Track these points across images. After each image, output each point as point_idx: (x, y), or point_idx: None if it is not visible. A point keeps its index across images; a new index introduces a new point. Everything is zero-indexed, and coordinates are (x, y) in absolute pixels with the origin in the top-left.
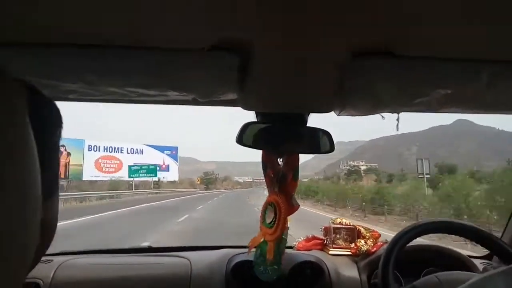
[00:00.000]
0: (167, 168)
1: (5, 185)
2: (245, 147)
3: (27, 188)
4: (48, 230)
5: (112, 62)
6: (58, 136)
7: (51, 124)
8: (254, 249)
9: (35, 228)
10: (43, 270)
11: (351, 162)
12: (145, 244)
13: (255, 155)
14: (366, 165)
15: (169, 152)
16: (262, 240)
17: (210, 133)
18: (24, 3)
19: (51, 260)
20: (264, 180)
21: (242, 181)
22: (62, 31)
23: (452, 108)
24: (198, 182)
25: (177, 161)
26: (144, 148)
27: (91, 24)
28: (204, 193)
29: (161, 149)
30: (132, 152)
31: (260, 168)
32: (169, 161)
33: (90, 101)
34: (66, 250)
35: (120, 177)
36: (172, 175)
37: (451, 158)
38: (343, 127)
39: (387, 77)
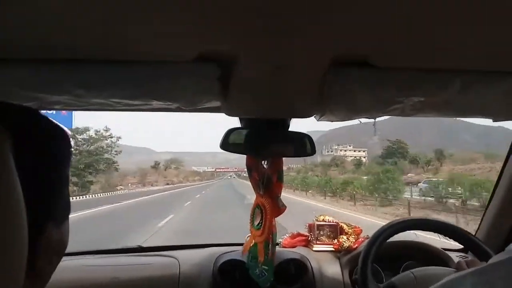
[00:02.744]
0: None
1: None
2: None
3: (8, 246)
4: (60, 252)
5: (98, 76)
6: (69, 166)
7: (64, 157)
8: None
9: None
10: None
11: (336, 147)
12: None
13: (214, 146)
14: (355, 150)
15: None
16: (253, 243)
17: (165, 123)
18: (9, 21)
19: None
20: (226, 170)
21: (201, 170)
22: (47, 46)
23: (425, 114)
24: None
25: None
26: None
27: (78, 39)
28: None
29: None
30: None
31: (217, 158)
32: None
33: (75, 110)
34: None
35: None
36: None
37: (414, 148)
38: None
39: (364, 86)
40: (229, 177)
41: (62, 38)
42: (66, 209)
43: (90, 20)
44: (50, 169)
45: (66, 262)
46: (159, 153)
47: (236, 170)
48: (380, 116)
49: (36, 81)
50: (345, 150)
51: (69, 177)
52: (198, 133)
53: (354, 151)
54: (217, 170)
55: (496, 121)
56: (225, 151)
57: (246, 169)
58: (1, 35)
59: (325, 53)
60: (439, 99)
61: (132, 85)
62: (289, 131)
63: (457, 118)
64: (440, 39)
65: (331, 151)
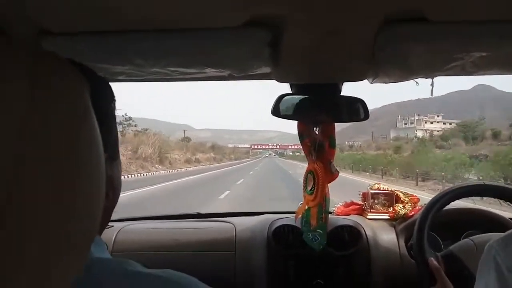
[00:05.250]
0: None
1: (73, 173)
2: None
3: (94, 174)
4: (114, 188)
5: (156, 44)
6: (114, 107)
7: (107, 98)
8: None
9: (98, 213)
10: (106, 235)
11: (417, 117)
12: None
13: (251, 124)
14: (445, 122)
15: None
16: (306, 208)
17: (205, 100)
18: None
19: (112, 226)
20: (265, 147)
21: (232, 146)
22: (112, 18)
23: (487, 71)
24: None
25: None
26: None
27: (136, 10)
28: None
29: None
30: None
31: (255, 137)
32: None
33: (135, 81)
34: (124, 217)
35: None
36: None
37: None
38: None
39: (420, 43)
40: (267, 155)
41: (120, 10)
42: (115, 147)
43: None
44: (102, 107)
45: (131, 226)
46: (198, 130)
47: (277, 147)
48: (437, 76)
49: (100, 53)
50: (432, 122)
51: (115, 118)
52: (236, 111)
53: (444, 123)
54: (253, 146)
55: None
56: (263, 130)
57: (289, 147)
58: (65, 9)
59: (377, 10)
60: (502, 53)
61: (186, 52)
62: (341, 95)
63: None
64: None
65: (411, 124)
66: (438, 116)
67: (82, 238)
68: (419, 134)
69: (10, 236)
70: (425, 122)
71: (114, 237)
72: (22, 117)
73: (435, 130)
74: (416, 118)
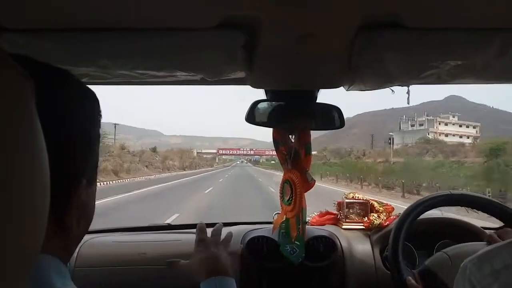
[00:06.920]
0: None
1: (11, 176)
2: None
3: (34, 180)
4: (87, 215)
5: (122, 45)
6: (98, 127)
7: (92, 117)
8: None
9: (43, 221)
10: None
11: (428, 118)
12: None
13: (224, 131)
14: (461, 124)
15: None
16: (284, 218)
17: (176, 106)
18: None
19: None
20: (236, 153)
21: (193, 151)
22: (74, 16)
23: (462, 79)
24: None
25: None
26: None
27: (102, 8)
28: None
29: None
30: None
31: (227, 144)
32: None
33: (101, 84)
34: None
35: None
36: None
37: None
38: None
39: (396, 49)
40: (239, 162)
41: (85, 7)
42: (95, 170)
43: None
44: (78, 128)
45: (96, 239)
46: (168, 136)
47: (252, 152)
48: (413, 84)
49: (62, 52)
50: (446, 124)
51: (99, 139)
52: (208, 118)
53: (460, 125)
54: (220, 151)
55: None
56: (236, 137)
57: (266, 152)
58: (25, 5)
59: (354, 14)
60: (478, 62)
61: (156, 55)
62: (317, 102)
63: (493, 106)
64: None
65: (420, 125)
66: (453, 117)
67: (18, 262)
68: (431, 137)
69: None
70: (439, 124)
71: (77, 251)
72: None
73: (450, 133)
74: (426, 118)
